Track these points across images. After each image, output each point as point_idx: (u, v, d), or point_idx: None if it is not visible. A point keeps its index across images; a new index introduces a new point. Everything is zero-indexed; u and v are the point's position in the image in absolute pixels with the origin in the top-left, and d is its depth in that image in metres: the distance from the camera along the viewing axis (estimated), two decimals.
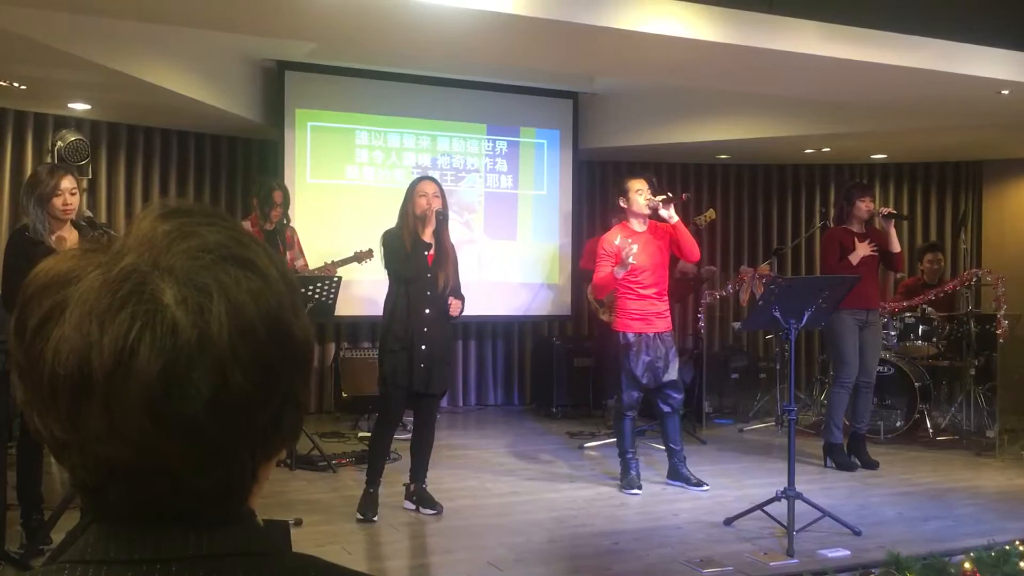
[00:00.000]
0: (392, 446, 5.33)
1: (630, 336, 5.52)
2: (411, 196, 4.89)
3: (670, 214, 5.48)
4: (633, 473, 5.58)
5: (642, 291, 5.53)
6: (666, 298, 5.66)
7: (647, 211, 5.55)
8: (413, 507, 4.98)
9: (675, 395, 5.63)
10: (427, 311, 4.83)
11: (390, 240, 4.89)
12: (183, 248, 0.70)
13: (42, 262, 0.72)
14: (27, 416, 0.71)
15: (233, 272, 0.70)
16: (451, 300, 4.89)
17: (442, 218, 4.85)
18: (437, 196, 4.86)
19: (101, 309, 0.67)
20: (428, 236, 4.82)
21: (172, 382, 0.66)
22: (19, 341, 0.70)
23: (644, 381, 5.53)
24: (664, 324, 5.59)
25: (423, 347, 4.80)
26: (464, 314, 8.89)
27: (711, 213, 7.24)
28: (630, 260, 5.32)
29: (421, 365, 4.80)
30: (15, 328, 0.71)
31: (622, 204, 5.59)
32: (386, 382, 4.86)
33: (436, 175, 8.33)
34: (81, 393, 0.67)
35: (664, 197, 5.50)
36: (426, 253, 4.83)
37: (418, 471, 5.02)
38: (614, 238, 5.52)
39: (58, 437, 0.69)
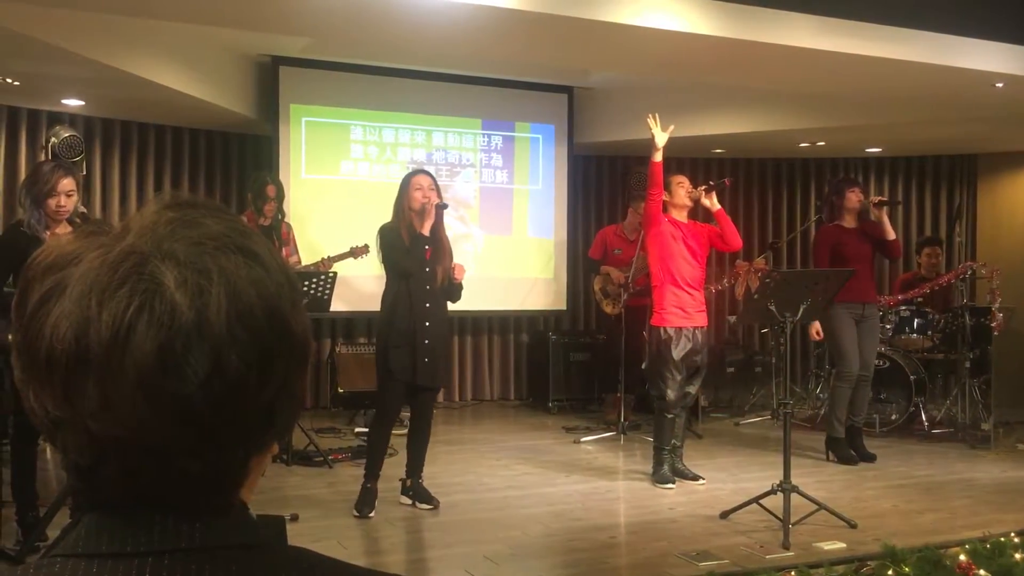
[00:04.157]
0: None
1: (670, 331, 5.49)
2: (406, 190, 4.87)
3: (713, 202, 5.64)
4: (666, 468, 5.57)
5: (682, 284, 5.53)
6: (702, 292, 5.69)
7: (689, 203, 5.64)
8: (410, 502, 4.98)
9: (692, 392, 5.67)
10: (427, 305, 4.84)
11: (388, 235, 4.88)
12: (186, 235, 0.71)
13: (45, 245, 0.73)
14: (22, 395, 0.71)
15: (235, 259, 0.71)
16: (455, 264, 4.91)
17: (442, 211, 4.86)
18: (433, 189, 4.85)
19: (101, 286, 0.67)
20: (426, 230, 4.81)
21: (168, 361, 0.66)
22: (19, 318, 0.71)
23: (683, 373, 5.52)
24: (701, 318, 5.59)
25: (426, 341, 4.81)
26: (460, 309, 8.91)
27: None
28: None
29: (425, 360, 4.80)
30: (17, 306, 0.71)
31: (665, 198, 5.64)
32: (391, 377, 4.84)
33: (432, 170, 8.34)
34: (77, 368, 0.67)
35: (705, 187, 5.68)
36: (425, 247, 4.83)
37: (415, 466, 5.02)
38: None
39: (52, 415, 0.70)
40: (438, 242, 4.87)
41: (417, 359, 4.79)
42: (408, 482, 5.01)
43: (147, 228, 0.71)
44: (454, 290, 4.97)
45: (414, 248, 4.80)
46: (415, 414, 5.06)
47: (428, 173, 5.00)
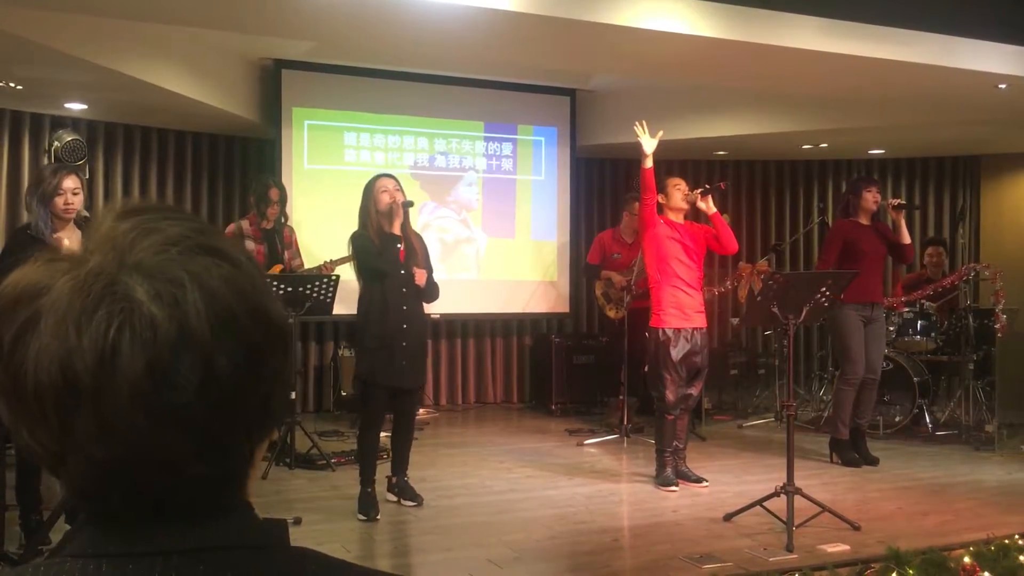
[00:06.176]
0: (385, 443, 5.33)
1: (668, 332, 5.49)
2: (372, 194, 4.88)
3: (709, 206, 5.61)
4: (669, 471, 5.56)
5: (679, 285, 5.53)
6: (701, 293, 5.67)
7: (685, 206, 5.64)
8: (395, 499, 5.03)
9: (693, 394, 5.65)
10: (404, 308, 4.84)
11: (360, 240, 4.88)
12: (147, 244, 0.70)
13: (8, 276, 0.71)
14: (16, 435, 0.70)
15: (202, 260, 0.70)
16: (415, 269, 4.86)
17: (408, 208, 4.86)
18: (398, 190, 4.87)
19: (75, 313, 0.66)
20: (396, 229, 4.82)
21: (159, 375, 0.66)
22: None
23: (683, 374, 5.52)
24: (700, 319, 5.58)
25: (403, 344, 4.81)
26: (462, 311, 8.87)
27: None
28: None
29: (403, 362, 4.80)
30: None
31: (661, 200, 5.61)
32: (364, 381, 4.86)
33: (434, 173, 8.37)
34: (68, 399, 0.66)
35: (701, 190, 5.66)
36: (398, 246, 4.82)
37: (399, 465, 5.06)
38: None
39: (51, 449, 0.69)
40: (408, 242, 4.87)
41: (394, 362, 4.78)
42: (394, 479, 5.06)
43: (107, 244, 0.70)
44: (428, 291, 4.95)
45: (386, 248, 4.80)
46: (398, 414, 5.06)
47: (391, 176, 5.01)
